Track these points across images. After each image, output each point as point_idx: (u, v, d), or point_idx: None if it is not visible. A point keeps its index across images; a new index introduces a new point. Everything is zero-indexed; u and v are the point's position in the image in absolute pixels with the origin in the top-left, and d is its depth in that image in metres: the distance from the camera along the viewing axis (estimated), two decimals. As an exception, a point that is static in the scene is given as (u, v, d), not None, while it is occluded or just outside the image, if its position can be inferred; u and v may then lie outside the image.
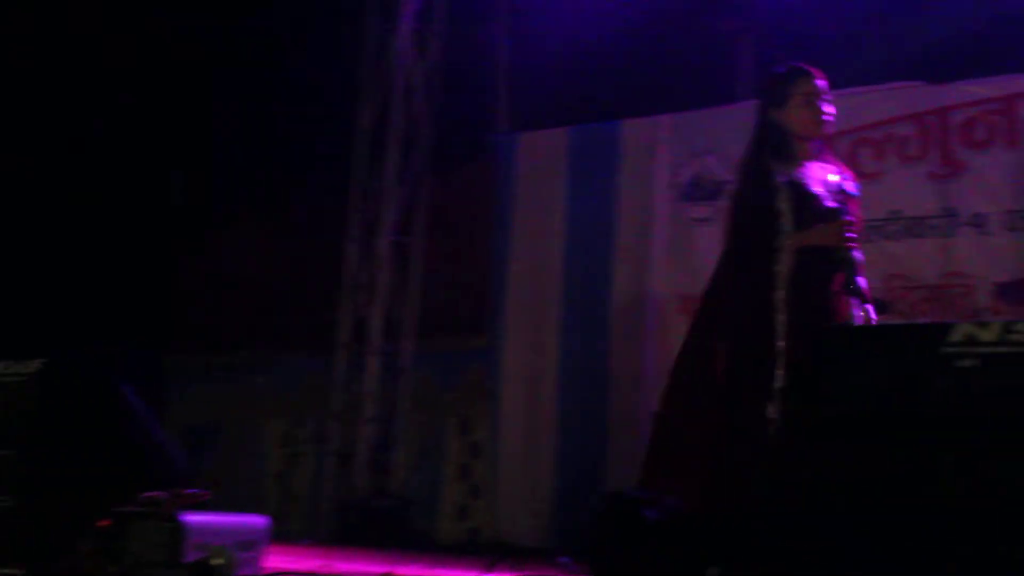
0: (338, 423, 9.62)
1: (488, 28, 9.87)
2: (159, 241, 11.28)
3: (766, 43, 8.75)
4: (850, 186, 5.67)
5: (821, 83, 5.68)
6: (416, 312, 9.63)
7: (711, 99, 8.69)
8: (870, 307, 5.39)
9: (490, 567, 6.91)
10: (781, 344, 5.29)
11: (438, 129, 9.76)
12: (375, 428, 9.52)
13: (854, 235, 5.48)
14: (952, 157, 7.53)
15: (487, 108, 9.65)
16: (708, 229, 8.33)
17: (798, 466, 3.64)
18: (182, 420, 10.15)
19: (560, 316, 8.80)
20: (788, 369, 5.10)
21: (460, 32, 9.91)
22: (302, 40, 10.39)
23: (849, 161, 6.66)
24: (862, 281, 5.43)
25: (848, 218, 5.50)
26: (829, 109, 5.67)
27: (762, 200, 5.58)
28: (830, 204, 5.56)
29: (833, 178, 5.65)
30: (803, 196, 5.55)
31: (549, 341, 8.80)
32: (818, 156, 5.69)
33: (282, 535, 6.87)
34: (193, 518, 5.42)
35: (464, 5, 9.92)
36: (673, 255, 8.47)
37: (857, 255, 5.45)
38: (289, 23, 10.44)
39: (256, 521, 5.74)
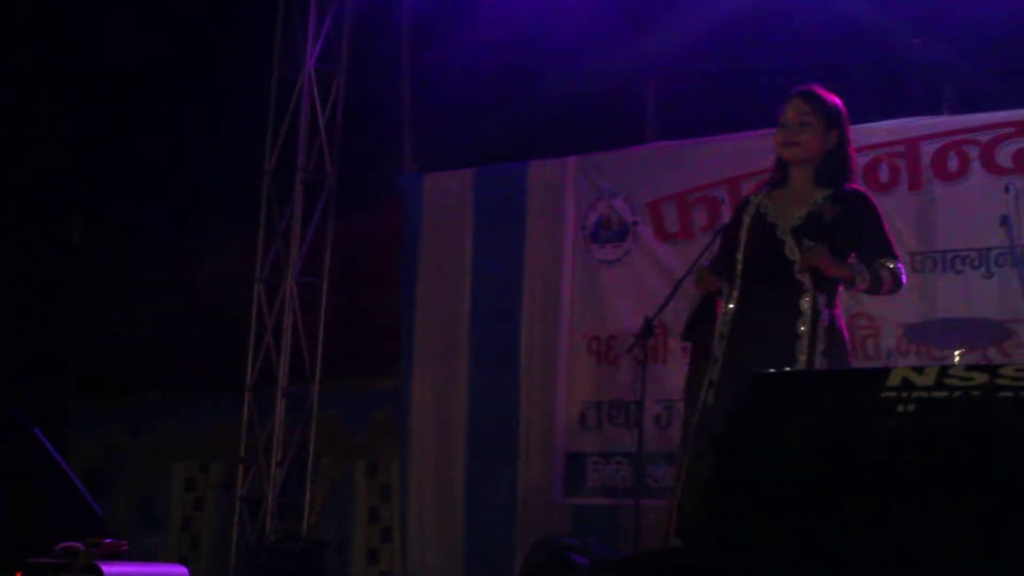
0: (245, 466, 9.52)
1: (392, 68, 9.86)
2: (59, 283, 11.11)
3: (673, 84, 8.82)
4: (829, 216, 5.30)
5: (800, 104, 5.37)
6: (323, 353, 9.56)
7: (618, 140, 8.76)
8: None
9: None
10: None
11: (344, 170, 9.72)
12: (283, 471, 9.43)
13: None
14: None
15: (394, 148, 9.63)
16: (615, 271, 8.41)
17: (731, 516, 3.63)
18: (84, 465, 9.99)
19: (469, 357, 8.79)
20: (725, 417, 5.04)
21: (365, 73, 9.90)
22: (207, 82, 10.31)
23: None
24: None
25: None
26: (794, 134, 5.36)
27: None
28: (745, 238, 5.38)
29: (802, 209, 5.34)
30: (732, 226, 5.51)
31: (459, 382, 8.79)
32: (816, 180, 5.38)
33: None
34: (113, 568, 5.34)
35: (368, 46, 9.91)
36: (581, 297, 8.51)
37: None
38: (194, 65, 10.36)
39: (176, 571, 5.67)
